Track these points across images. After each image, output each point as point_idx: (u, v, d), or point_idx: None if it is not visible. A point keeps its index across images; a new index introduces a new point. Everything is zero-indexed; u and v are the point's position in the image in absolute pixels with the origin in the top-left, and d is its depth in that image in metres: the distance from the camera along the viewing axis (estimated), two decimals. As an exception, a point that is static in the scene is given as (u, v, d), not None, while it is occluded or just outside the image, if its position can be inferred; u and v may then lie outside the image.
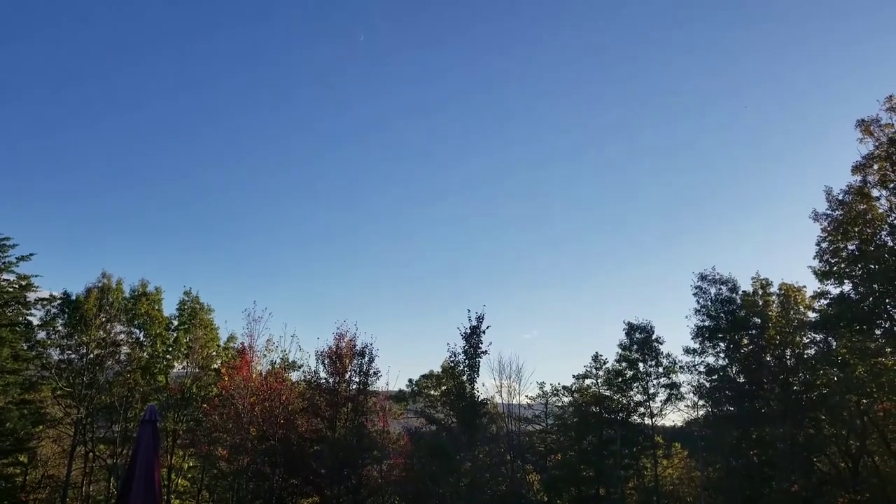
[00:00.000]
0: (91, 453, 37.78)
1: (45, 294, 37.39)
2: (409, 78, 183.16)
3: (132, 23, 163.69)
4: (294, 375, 37.97)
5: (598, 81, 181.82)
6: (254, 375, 34.85)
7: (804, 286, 39.22)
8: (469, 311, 36.09)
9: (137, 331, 40.24)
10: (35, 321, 37.15)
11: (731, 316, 39.72)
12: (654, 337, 43.51)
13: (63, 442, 38.99)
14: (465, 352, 35.78)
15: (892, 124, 30.50)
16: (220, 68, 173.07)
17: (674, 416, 45.72)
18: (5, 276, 33.81)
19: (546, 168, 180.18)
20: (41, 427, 36.76)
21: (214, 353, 42.31)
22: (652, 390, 43.34)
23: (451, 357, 36.50)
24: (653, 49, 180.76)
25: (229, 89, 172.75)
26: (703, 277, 40.98)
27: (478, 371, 35.90)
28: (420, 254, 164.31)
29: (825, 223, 32.70)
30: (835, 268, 32.97)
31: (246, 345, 36.05)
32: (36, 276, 34.61)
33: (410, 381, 50.61)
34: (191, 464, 41.57)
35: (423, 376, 49.71)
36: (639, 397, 43.69)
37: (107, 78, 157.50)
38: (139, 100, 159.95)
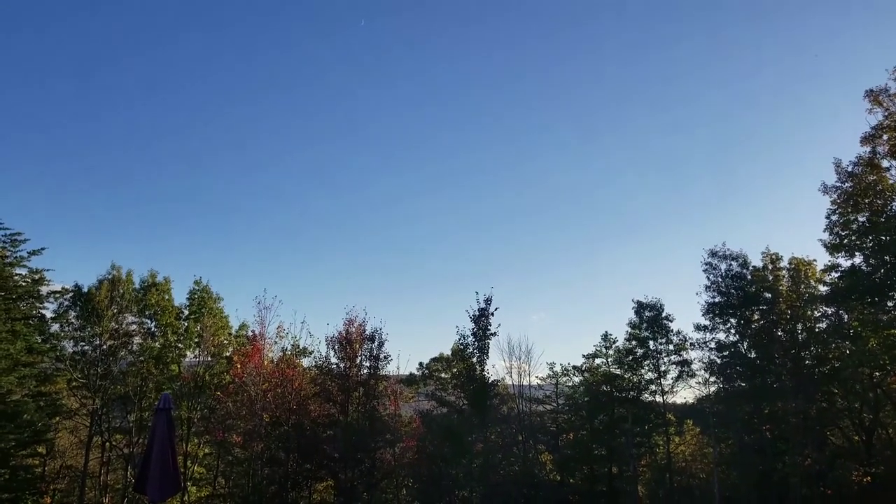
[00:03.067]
0: (108, 443, 38.27)
1: (57, 287, 37.70)
2: (419, 67, 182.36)
3: (133, 14, 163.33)
4: (305, 361, 38.23)
5: (604, 64, 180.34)
6: (265, 362, 35.08)
7: (815, 260, 39.11)
8: (477, 293, 36.18)
9: (148, 321, 40.57)
10: (48, 314, 37.46)
11: (741, 291, 39.57)
12: (663, 314, 43.40)
13: (80, 432, 39.46)
14: (474, 334, 35.91)
15: (902, 94, 30.06)
16: (229, 61, 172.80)
17: (685, 394, 45.77)
18: (17, 270, 33.97)
19: (552, 151, 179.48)
20: (58, 418, 37.07)
21: (226, 342, 42.60)
22: (663, 368, 43.32)
23: (460, 340, 36.68)
24: (661, 27, 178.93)
25: (235, 81, 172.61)
26: (713, 254, 40.86)
27: (487, 353, 36.06)
28: (428, 238, 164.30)
29: (835, 196, 32.41)
30: (845, 240, 32.70)
31: (257, 332, 36.29)
32: (48, 269, 34.74)
33: (421, 364, 50.84)
34: (206, 451, 42.01)
35: (434, 359, 49.82)
36: (649, 375, 43.67)
37: (114, 71, 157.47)
38: (145, 93, 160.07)
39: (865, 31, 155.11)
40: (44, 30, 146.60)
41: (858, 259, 32.73)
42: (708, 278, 40.56)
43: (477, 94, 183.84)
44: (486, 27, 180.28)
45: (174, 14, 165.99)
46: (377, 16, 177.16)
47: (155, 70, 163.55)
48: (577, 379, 47.24)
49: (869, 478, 35.45)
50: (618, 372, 44.42)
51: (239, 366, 35.40)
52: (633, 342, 43.94)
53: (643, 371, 43.78)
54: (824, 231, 33.24)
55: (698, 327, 41.02)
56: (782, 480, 36.78)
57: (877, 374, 33.89)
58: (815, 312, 38.18)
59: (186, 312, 41.98)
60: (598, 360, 45.76)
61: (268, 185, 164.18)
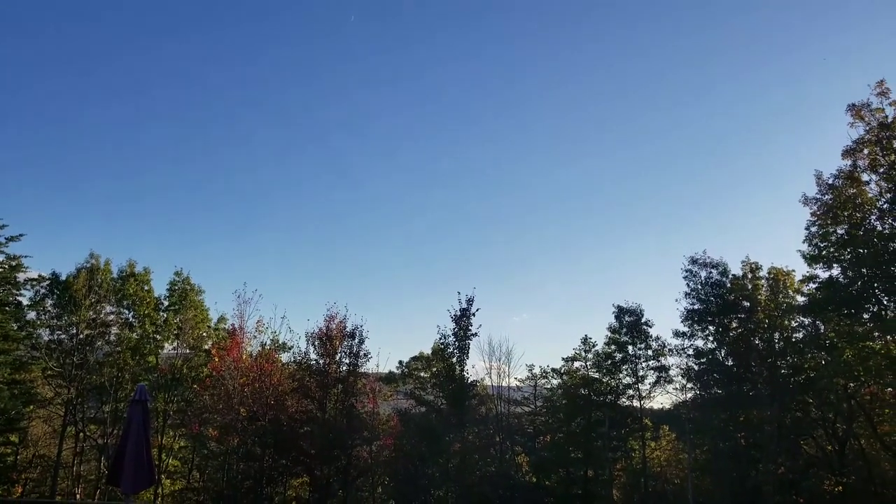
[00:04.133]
0: (82, 433, 37.87)
1: (35, 275, 37.28)
2: (398, 70, 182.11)
3: (122, 11, 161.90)
4: (284, 357, 38.14)
5: (590, 69, 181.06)
6: (244, 356, 34.87)
7: (793, 270, 39.49)
8: (459, 293, 36.24)
9: (127, 311, 40.18)
10: (25, 301, 37.04)
11: (720, 299, 39.89)
12: (643, 320, 43.78)
13: (54, 422, 39.06)
14: (454, 334, 35.97)
15: (883, 109, 30.44)
16: (212, 59, 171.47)
17: (662, 399, 46.28)
18: (-6, 256, 33.57)
19: (535, 153, 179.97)
20: (32, 407, 36.73)
21: (205, 334, 42.28)
22: (641, 373, 43.68)
23: (440, 339, 36.72)
24: (644, 37, 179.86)
25: (218, 77, 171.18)
26: (693, 261, 41.15)
27: (467, 353, 36.15)
28: (410, 237, 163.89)
29: (815, 207, 32.71)
30: (824, 252, 33.03)
31: (236, 326, 36.05)
32: (25, 256, 34.33)
33: (400, 362, 50.84)
34: (181, 444, 41.71)
35: (413, 358, 49.83)
36: (628, 380, 44.00)
37: (99, 66, 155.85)
38: (129, 87, 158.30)
39: (853, 40, 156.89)
40: (26, 25, 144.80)
41: (836, 271, 33.12)
42: (688, 285, 40.90)
43: (464, 95, 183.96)
44: (479, 26, 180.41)
45: (161, 11, 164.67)
46: (371, 16, 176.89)
47: (142, 66, 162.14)
48: (555, 381, 47.57)
49: (840, 487, 35.90)
50: (596, 376, 44.68)
51: (217, 359, 35.18)
52: (613, 346, 44.22)
53: (621, 375, 44.10)
54: (803, 242, 33.61)
55: (677, 333, 41.37)
56: (756, 488, 37.09)
57: (851, 385, 34.32)
58: (793, 322, 38.54)
59: (166, 304, 41.62)
60: (577, 364, 46.06)
61: (251, 181, 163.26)
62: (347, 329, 35.12)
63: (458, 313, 35.81)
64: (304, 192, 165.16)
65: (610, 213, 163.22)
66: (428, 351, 47.37)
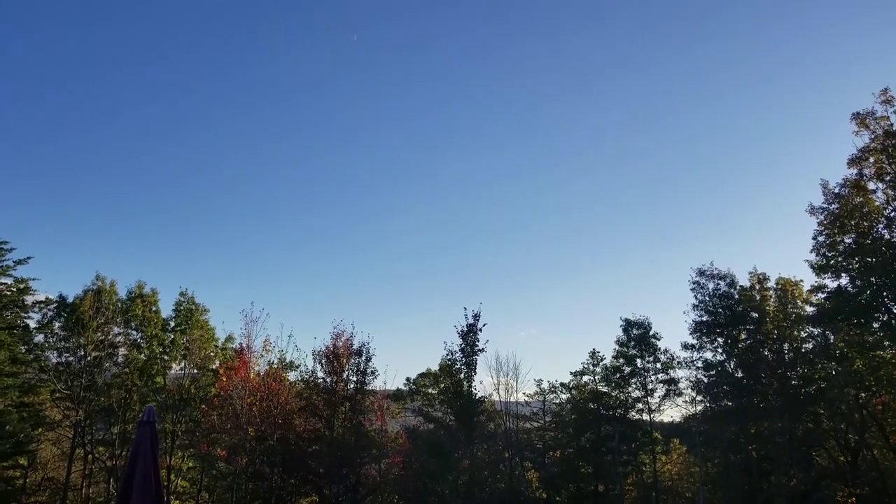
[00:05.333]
0: (90, 455, 37.81)
1: (42, 297, 37.41)
2: (403, 79, 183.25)
3: (127, 25, 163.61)
4: (292, 375, 38.02)
5: (593, 79, 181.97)
6: (252, 376, 34.82)
7: (801, 280, 39.22)
8: (465, 309, 36.17)
9: (134, 332, 40.25)
10: (32, 324, 37.21)
11: (728, 311, 39.65)
12: (651, 333, 43.61)
13: (62, 444, 38.99)
14: (462, 350, 35.87)
15: (888, 117, 30.41)
16: (214, 71, 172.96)
17: (672, 412, 45.88)
18: (3, 279, 33.78)
19: (542, 165, 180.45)
20: (40, 429, 36.76)
21: (212, 354, 42.31)
22: (650, 386, 43.41)
23: (448, 355, 36.62)
24: (648, 45, 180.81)
25: (224, 91, 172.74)
26: (701, 273, 40.97)
27: (475, 369, 36.01)
28: (416, 252, 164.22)
29: (822, 217, 32.55)
30: (832, 261, 32.84)
31: (244, 345, 36.03)
32: (33, 279, 34.55)
33: (408, 379, 50.71)
34: (190, 464, 41.63)
35: (421, 375, 49.72)
36: (637, 393, 43.75)
37: (100, 80, 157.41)
38: (133, 102, 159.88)
39: (859, 49, 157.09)
40: (30, 37, 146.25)
41: (845, 280, 32.84)
42: (696, 297, 40.66)
43: (467, 106, 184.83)
44: (486, 32, 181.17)
45: (166, 24, 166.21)
46: (370, 25, 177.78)
47: (147, 79, 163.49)
48: (564, 396, 47.39)
49: (854, 499, 35.49)
50: (605, 389, 44.49)
51: (225, 379, 35.13)
52: (621, 360, 44.04)
53: (630, 389, 43.87)
54: (811, 251, 33.37)
55: (685, 346, 41.07)
56: (768, 500, 36.71)
57: (862, 395, 34.03)
58: (802, 333, 38.31)
59: (173, 324, 41.68)
60: (585, 378, 45.87)
61: (257, 198, 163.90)
62: (354, 346, 35.15)
63: (465, 329, 35.76)
64: (308, 207, 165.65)
65: (617, 226, 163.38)
66: (435, 367, 47.30)
